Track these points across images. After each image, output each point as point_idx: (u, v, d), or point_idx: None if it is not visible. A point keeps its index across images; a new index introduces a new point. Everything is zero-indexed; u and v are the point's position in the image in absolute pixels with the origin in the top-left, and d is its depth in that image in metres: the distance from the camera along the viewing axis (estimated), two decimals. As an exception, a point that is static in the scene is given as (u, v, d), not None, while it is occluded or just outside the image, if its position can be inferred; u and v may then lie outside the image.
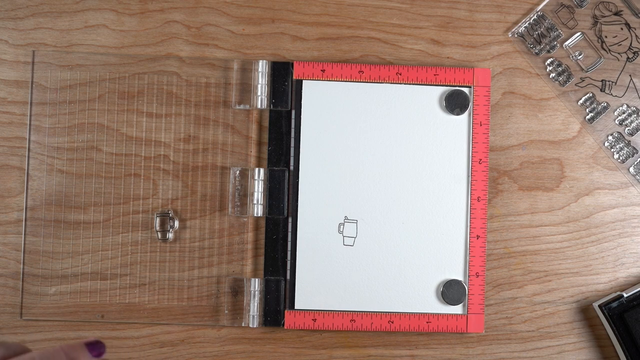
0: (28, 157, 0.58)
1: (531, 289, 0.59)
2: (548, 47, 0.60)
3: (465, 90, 0.58)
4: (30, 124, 0.58)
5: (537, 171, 0.59)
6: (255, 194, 0.57)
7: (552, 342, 0.59)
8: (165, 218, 0.58)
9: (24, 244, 0.57)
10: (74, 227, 0.58)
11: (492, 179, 0.59)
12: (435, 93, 0.58)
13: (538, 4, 0.60)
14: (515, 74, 0.60)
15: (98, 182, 0.58)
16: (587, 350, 0.59)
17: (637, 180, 0.59)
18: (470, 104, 0.58)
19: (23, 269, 0.57)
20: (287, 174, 0.58)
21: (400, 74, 0.58)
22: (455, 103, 0.58)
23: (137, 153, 0.58)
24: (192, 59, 0.59)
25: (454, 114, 0.58)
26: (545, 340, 0.59)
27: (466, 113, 0.58)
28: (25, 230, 0.57)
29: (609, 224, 0.59)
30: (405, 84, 0.58)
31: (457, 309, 0.57)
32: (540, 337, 0.59)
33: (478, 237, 0.58)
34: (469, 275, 0.58)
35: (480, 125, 0.58)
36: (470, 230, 0.58)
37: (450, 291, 0.57)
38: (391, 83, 0.58)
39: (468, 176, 0.58)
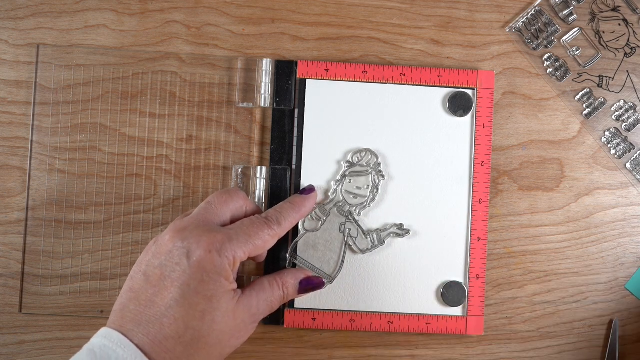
0: (30, 157, 0.58)
1: (531, 289, 0.59)
2: (545, 43, 0.60)
3: (469, 92, 0.58)
4: (33, 124, 0.58)
5: (537, 171, 0.59)
6: (257, 192, 0.57)
7: (552, 342, 0.59)
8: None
9: (24, 244, 0.57)
10: (74, 227, 0.58)
11: (492, 179, 0.59)
12: (439, 94, 0.58)
13: (536, 0, 0.60)
14: (516, 74, 0.60)
15: (98, 182, 0.58)
16: (587, 350, 0.59)
17: (637, 178, 0.59)
18: (474, 105, 0.58)
19: (23, 269, 0.57)
20: (289, 172, 0.58)
21: (404, 75, 0.58)
22: (458, 105, 0.58)
23: (137, 153, 0.58)
24: (192, 59, 0.59)
25: (457, 115, 0.58)
26: (545, 340, 0.59)
27: (469, 115, 0.58)
28: (25, 230, 0.57)
29: (609, 224, 0.59)
30: (408, 84, 0.58)
31: (457, 311, 0.57)
32: (540, 337, 0.59)
33: (479, 239, 0.58)
34: (469, 277, 0.58)
35: (483, 127, 0.58)
36: (471, 232, 0.58)
37: (450, 293, 0.57)
38: (395, 84, 0.58)
39: (470, 178, 0.58)
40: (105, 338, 0.44)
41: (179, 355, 0.44)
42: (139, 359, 0.43)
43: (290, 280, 0.53)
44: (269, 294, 0.51)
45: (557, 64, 0.60)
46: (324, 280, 0.55)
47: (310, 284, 0.54)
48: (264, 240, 0.49)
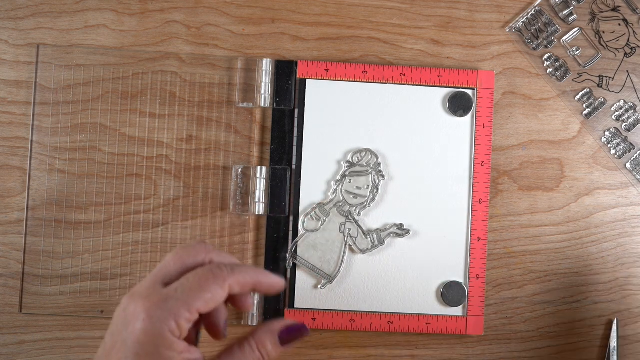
0: (30, 157, 0.58)
1: (531, 289, 0.59)
2: (545, 43, 0.60)
3: (469, 92, 0.58)
4: (33, 124, 0.58)
5: (537, 171, 0.59)
6: (257, 192, 0.57)
7: (552, 342, 0.59)
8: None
9: (25, 244, 0.57)
10: (74, 227, 0.58)
11: (492, 179, 0.59)
12: (439, 94, 0.58)
13: (536, 0, 0.60)
14: (516, 74, 0.60)
15: (98, 182, 0.58)
16: (587, 350, 0.59)
17: (637, 178, 0.59)
18: (474, 105, 0.58)
19: (23, 269, 0.57)
20: (289, 172, 0.58)
21: (404, 75, 0.58)
22: (458, 105, 0.58)
23: (137, 153, 0.58)
24: (192, 59, 0.59)
25: (457, 115, 0.58)
26: (545, 340, 0.59)
27: (469, 115, 0.58)
28: (25, 230, 0.57)
29: (609, 224, 0.59)
30: (408, 84, 0.58)
31: (457, 311, 0.57)
32: (540, 337, 0.59)
33: (479, 239, 0.58)
34: (469, 277, 0.58)
35: (483, 127, 0.58)
36: (471, 232, 0.58)
37: (450, 293, 0.57)
38: (395, 84, 0.58)
39: (470, 178, 0.58)
40: None
41: None
42: None
43: (266, 336, 0.43)
44: None
45: (557, 64, 0.60)
46: (306, 326, 0.45)
47: (292, 333, 0.44)
48: (212, 291, 0.41)
